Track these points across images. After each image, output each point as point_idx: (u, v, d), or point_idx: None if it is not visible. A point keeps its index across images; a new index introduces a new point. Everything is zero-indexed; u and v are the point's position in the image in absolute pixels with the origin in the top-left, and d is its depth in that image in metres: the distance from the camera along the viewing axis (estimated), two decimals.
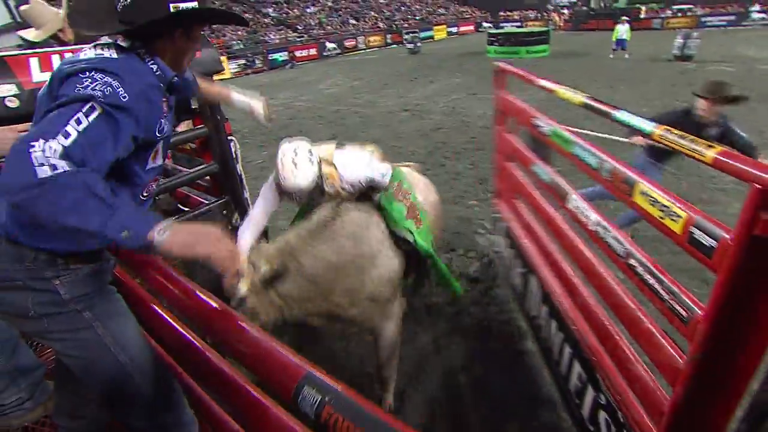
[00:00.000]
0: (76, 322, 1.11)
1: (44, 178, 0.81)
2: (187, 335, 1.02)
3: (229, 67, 18.46)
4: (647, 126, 1.25)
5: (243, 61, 19.37)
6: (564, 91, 1.76)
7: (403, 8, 33.08)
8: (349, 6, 30.39)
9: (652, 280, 1.24)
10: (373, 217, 1.96)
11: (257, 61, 19.77)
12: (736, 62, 11.64)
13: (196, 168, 2.25)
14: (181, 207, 2.53)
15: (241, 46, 20.75)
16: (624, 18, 14.26)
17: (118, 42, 1.05)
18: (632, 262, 1.33)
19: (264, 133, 7.95)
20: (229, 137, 2.23)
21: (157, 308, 1.16)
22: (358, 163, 1.93)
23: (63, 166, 0.82)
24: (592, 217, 1.58)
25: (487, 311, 2.86)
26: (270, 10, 26.23)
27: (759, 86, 8.56)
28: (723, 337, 0.99)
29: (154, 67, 1.07)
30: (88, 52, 1.02)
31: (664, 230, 1.14)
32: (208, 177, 2.34)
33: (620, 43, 13.64)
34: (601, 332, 1.60)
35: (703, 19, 23.63)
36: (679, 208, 1.09)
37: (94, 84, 0.92)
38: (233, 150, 2.26)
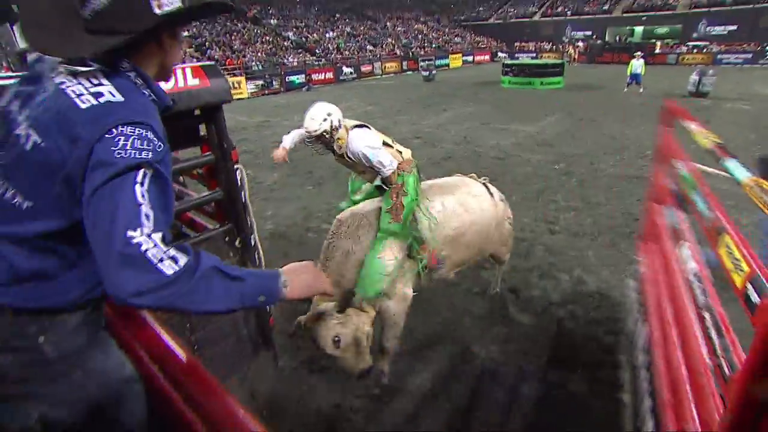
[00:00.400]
0: (64, 382, 0.99)
1: (174, 276, 0.80)
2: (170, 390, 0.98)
3: (247, 87, 18.94)
4: (740, 174, 1.22)
5: (261, 82, 19.86)
6: (699, 134, 1.77)
7: (420, 36, 33.83)
8: (367, 32, 31.19)
9: (714, 334, 1.22)
10: (364, 227, 2.40)
11: (275, 83, 20.25)
12: (754, 100, 11.58)
13: (202, 194, 2.25)
14: (185, 231, 2.53)
15: (260, 68, 21.31)
16: (638, 53, 14.32)
17: (93, 64, 0.89)
18: (706, 314, 1.30)
19: None
20: (236, 165, 2.23)
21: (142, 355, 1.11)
22: (363, 142, 2.38)
23: (180, 256, 0.82)
24: (691, 266, 1.57)
25: (489, 350, 2.77)
26: (290, 33, 27.03)
27: None
28: (754, 402, 0.92)
29: (147, 92, 0.95)
30: (83, 93, 0.86)
31: (731, 283, 1.12)
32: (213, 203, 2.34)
33: (635, 77, 13.67)
34: (673, 387, 1.54)
35: (719, 56, 23.65)
36: (746, 263, 1.08)
37: (132, 142, 0.83)
38: (239, 178, 2.26)
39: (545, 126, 9.43)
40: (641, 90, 13.48)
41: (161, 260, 0.79)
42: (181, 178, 2.80)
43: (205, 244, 2.24)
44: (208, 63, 2.02)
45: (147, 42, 0.94)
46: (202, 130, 2.20)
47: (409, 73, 25.55)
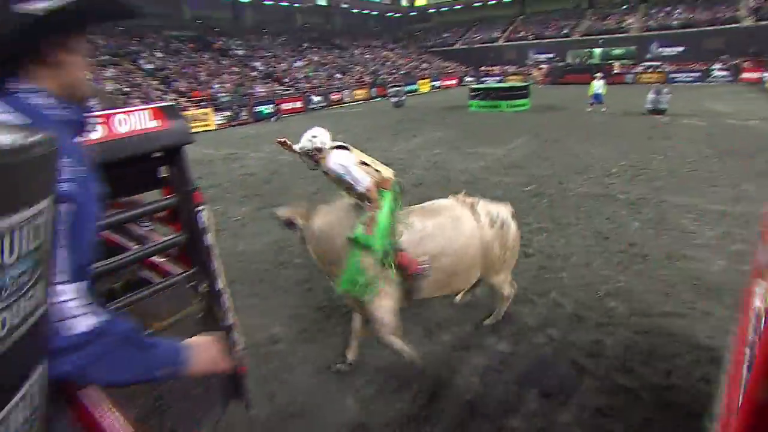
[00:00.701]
0: None
1: (85, 337, 0.72)
2: None
3: (214, 119, 18.86)
4: None
5: (229, 113, 19.83)
6: None
7: (387, 63, 34.73)
8: (335, 61, 31.81)
9: (745, 368, 1.23)
10: (351, 210, 2.74)
11: (243, 113, 20.25)
12: (706, 117, 12.32)
13: (163, 239, 2.19)
14: (144, 276, 2.44)
15: (228, 99, 21.32)
16: (599, 74, 15.08)
17: None
18: (747, 349, 1.31)
19: (246, 188, 7.98)
20: (199, 207, 2.19)
21: None
22: (337, 160, 2.69)
23: (95, 316, 0.74)
24: (756, 303, 1.57)
25: (469, 382, 2.75)
26: (258, 63, 27.27)
27: (729, 140, 9.01)
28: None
29: (54, 111, 0.85)
30: None
31: None
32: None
33: (597, 97, 14.35)
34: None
35: (671, 75, 25.37)
36: None
37: None
38: (203, 220, 2.21)
39: (513, 148, 9.73)
40: (603, 109, 14.15)
41: (74, 315, 0.72)
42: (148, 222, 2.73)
43: (167, 291, 2.17)
44: (166, 104, 2.00)
45: (29, 56, 0.83)
46: (165, 171, 2.17)
47: (378, 99, 26.06)
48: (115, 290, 2.28)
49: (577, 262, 4.18)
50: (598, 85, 14.31)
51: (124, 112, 1.80)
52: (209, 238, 2.29)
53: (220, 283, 2.36)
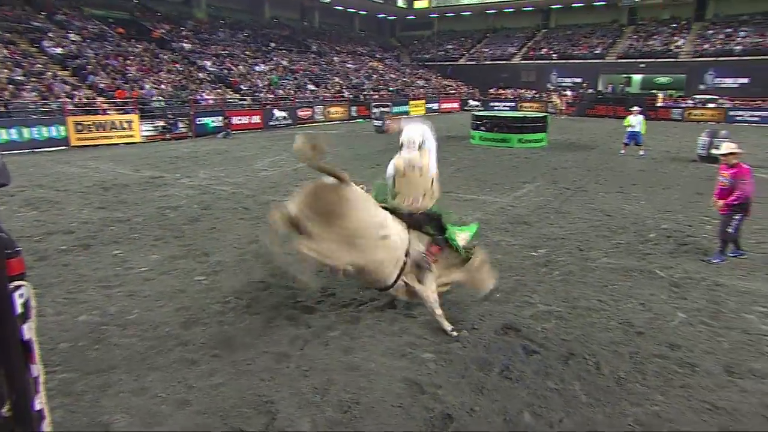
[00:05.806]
0: None
1: None
2: None
3: (141, 129, 18.62)
4: None
5: (161, 123, 19.68)
6: None
7: (374, 76, 35.51)
8: (309, 68, 32.37)
9: None
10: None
11: (180, 125, 20.12)
12: None
13: None
14: None
15: (162, 104, 21.22)
16: (635, 108, 15.14)
17: None
18: None
19: (164, 227, 7.63)
20: (16, 282, 1.84)
21: None
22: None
23: None
24: None
25: None
26: (207, 63, 27.50)
27: None
28: None
29: None
30: None
31: None
32: None
33: (633, 136, 14.56)
34: None
35: (731, 113, 26.19)
36: None
37: None
38: (19, 302, 1.86)
39: (522, 197, 9.68)
40: (642, 152, 14.36)
41: None
42: None
43: None
44: None
45: None
46: None
47: (358, 121, 26.44)
48: None
49: (599, 369, 3.86)
50: (635, 122, 14.53)
51: None
52: (27, 331, 1.94)
53: (39, 402, 1.99)
